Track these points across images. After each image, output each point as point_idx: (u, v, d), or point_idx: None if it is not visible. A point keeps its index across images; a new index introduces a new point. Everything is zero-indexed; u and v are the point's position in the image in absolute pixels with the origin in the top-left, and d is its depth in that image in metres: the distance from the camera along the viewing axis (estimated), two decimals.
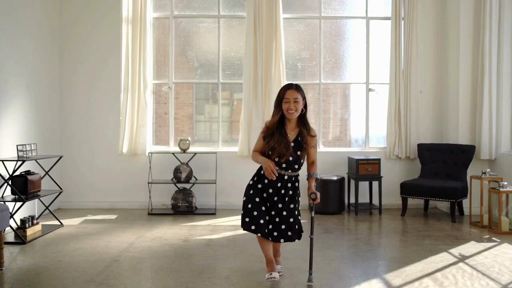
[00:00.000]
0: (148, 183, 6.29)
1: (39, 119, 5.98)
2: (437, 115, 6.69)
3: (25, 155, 5.04)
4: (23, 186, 4.92)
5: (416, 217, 6.02)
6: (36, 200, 5.69)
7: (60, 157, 5.71)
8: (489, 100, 5.97)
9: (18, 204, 5.10)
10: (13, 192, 4.91)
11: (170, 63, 6.76)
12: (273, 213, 3.45)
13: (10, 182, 4.88)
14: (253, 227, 3.37)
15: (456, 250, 4.44)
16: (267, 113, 6.40)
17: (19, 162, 4.99)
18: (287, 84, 3.45)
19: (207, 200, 6.52)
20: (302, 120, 3.45)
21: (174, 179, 6.32)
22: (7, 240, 4.65)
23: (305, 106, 3.44)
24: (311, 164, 3.54)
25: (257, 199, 3.42)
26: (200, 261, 4.07)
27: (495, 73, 5.97)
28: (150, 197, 6.37)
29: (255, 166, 3.62)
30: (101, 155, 6.59)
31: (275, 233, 3.44)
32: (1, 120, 5.11)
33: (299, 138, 3.41)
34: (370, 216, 6.10)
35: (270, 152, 3.40)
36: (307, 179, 3.53)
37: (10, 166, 5.08)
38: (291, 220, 3.45)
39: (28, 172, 5.09)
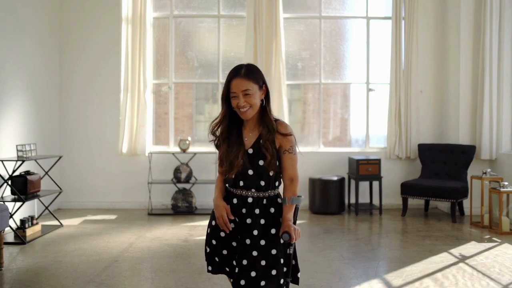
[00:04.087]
0: (148, 183, 6.28)
1: (38, 119, 5.97)
2: (437, 115, 6.68)
3: (24, 155, 5.03)
4: (22, 186, 4.91)
5: (416, 217, 6.01)
6: (35, 200, 5.68)
7: (60, 157, 5.70)
8: (490, 100, 5.96)
9: (18, 204, 5.10)
10: (12, 192, 4.90)
11: (170, 63, 6.75)
12: (240, 248, 2.26)
13: (9, 182, 4.88)
14: (210, 268, 2.36)
15: (456, 250, 4.43)
16: None
17: (19, 162, 4.99)
18: (233, 70, 2.26)
19: (207, 200, 6.50)
20: (263, 115, 2.28)
21: (174, 179, 6.31)
22: (7, 240, 4.64)
23: (267, 95, 2.31)
24: (289, 182, 2.25)
25: (222, 234, 2.30)
26: (200, 261, 4.06)
27: (496, 72, 5.96)
28: (150, 197, 6.36)
29: None
30: (100, 155, 6.58)
31: (236, 269, 2.23)
32: (1, 120, 5.10)
33: (261, 141, 2.23)
34: (370, 216, 6.10)
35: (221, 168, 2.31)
36: (282, 204, 2.26)
37: (10, 166, 5.07)
38: (263, 263, 2.17)
39: (27, 172, 5.08)
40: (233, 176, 2.25)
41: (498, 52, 5.96)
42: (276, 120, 2.29)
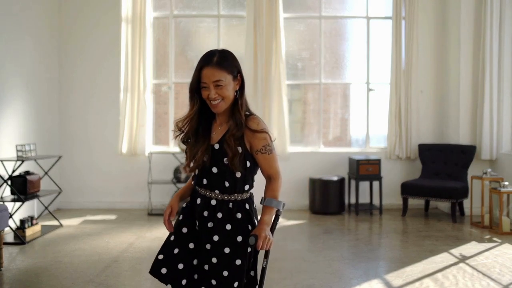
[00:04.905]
0: (148, 183, 6.27)
1: (38, 119, 5.96)
2: (437, 115, 6.67)
3: (24, 155, 5.03)
4: (22, 186, 4.90)
5: (416, 218, 6.00)
6: (35, 201, 5.67)
7: (60, 157, 5.69)
8: (490, 100, 5.95)
9: (17, 204, 5.09)
10: (12, 192, 4.90)
11: (170, 63, 6.74)
12: (199, 259, 2.05)
13: (9, 182, 4.87)
14: (164, 270, 2.03)
15: (456, 251, 4.42)
16: (267, 113, 6.38)
17: (18, 162, 4.98)
18: (203, 56, 2.00)
19: None
20: (233, 108, 2.02)
21: (174, 179, 6.30)
22: (7, 241, 4.63)
23: (242, 86, 2.04)
24: (268, 181, 2.07)
25: (185, 230, 2.08)
26: None
27: (496, 72, 5.95)
28: (150, 197, 6.35)
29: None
30: (100, 155, 6.57)
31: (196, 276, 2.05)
32: (0, 120, 5.09)
33: (227, 137, 2.00)
34: (370, 217, 6.09)
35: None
36: (261, 204, 2.06)
37: (10, 166, 5.07)
38: (225, 273, 1.96)
39: (27, 172, 5.08)
40: (196, 172, 2.07)
41: (499, 52, 5.96)
42: (249, 115, 2.03)
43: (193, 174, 2.12)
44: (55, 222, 5.52)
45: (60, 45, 6.53)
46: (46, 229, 5.19)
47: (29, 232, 4.89)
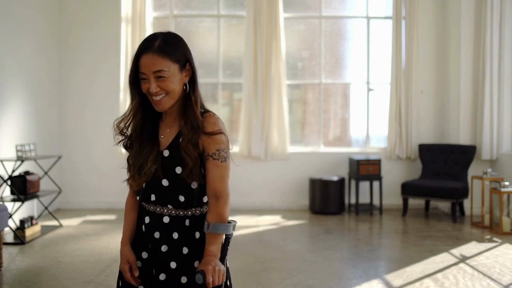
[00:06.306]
0: None
1: (38, 118, 5.96)
2: (438, 115, 6.67)
3: (24, 155, 5.02)
4: (22, 186, 4.89)
5: (417, 218, 6.00)
6: (35, 201, 5.67)
7: (59, 157, 5.69)
8: (490, 99, 5.95)
9: (17, 204, 5.09)
10: (12, 192, 4.89)
11: None
12: None
13: (9, 182, 4.86)
14: None
15: (457, 251, 4.42)
16: (267, 113, 6.37)
17: (18, 162, 4.98)
18: (143, 41, 1.62)
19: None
20: (185, 104, 1.63)
21: None
22: (6, 241, 4.63)
23: (192, 78, 1.64)
24: (214, 201, 1.60)
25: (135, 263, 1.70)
26: None
27: (496, 72, 5.95)
28: None
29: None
30: (100, 155, 6.56)
31: None
32: (0, 120, 5.09)
33: (180, 140, 1.61)
34: (370, 217, 6.08)
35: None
36: (205, 231, 1.60)
37: (9, 166, 5.06)
38: None
39: (27, 172, 5.07)
40: (143, 186, 1.65)
41: (499, 52, 5.95)
42: (204, 112, 1.64)
43: (131, 192, 1.73)
44: (55, 222, 5.52)
45: (60, 45, 6.53)
46: (46, 229, 5.18)
47: (29, 232, 4.89)
